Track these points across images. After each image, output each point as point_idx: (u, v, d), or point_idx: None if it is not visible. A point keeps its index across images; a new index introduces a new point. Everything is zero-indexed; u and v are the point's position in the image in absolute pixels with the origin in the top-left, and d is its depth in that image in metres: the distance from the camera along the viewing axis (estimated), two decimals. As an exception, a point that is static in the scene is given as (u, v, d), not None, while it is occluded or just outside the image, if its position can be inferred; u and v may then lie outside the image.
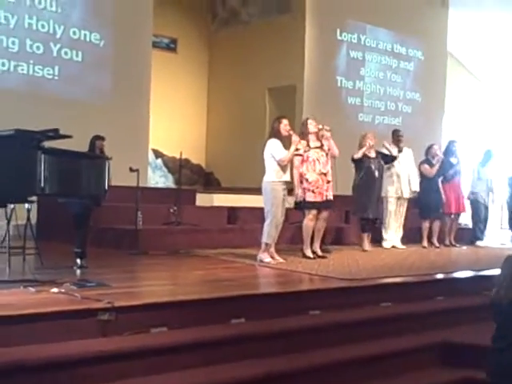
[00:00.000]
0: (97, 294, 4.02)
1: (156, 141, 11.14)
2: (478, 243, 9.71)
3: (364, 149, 8.02)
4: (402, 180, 8.69)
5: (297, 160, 6.85)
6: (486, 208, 9.94)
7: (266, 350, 4.13)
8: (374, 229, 8.42)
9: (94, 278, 4.59)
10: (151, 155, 11.39)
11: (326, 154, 7.00)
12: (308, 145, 6.90)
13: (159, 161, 12.37)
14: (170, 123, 12.15)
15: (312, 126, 6.97)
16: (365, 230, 8.23)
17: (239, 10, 12.44)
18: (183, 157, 9.14)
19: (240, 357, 3.98)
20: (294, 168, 6.88)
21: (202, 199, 9.22)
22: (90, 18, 9.11)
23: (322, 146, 6.98)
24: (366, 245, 8.17)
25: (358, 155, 8.01)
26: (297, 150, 6.71)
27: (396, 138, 8.89)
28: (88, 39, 9.11)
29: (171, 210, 7.77)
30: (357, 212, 8.25)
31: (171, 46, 12.62)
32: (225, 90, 12.76)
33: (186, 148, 10.71)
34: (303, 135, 6.93)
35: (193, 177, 12.55)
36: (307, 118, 7.15)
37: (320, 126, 7.04)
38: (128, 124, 9.22)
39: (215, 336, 4.01)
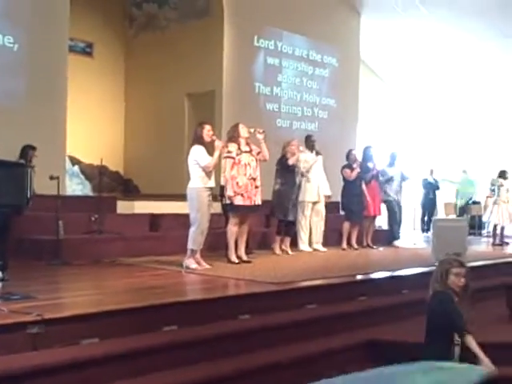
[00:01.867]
0: (23, 306, 3.91)
1: (72, 147, 10.83)
2: (395, 243, 10.07)
3: (297, 155, 8.21)
4: (314, 184, 8.91)
5: (228, 162, 6.90)
6: (400, 207, 10.32)
7: (199, 356, 4.16)
8: (291, 233, 8.58)
9: (18, 290, 4.45)
10: (68, 162, 11.09)
11: (256, 160, 7.10)
12: (239, 148, 6.97)
13: (76, 168, 12.06)
14: (86, 129, 11.87)
15: (244, 131, 7.05)
16: (279, 233, 8.40)
17: (157, 14, 12.33)
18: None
19: (173, 364, 4.00)
20: (225, 171, 6.94)
21: (123, 207, 9.07)
22: (3, 20, 8.78)
23: (251, 150, 7.07)
24: (277, 248, 8.31)
25: (293, 161, 8.21)
26: (229, 152, 6.79)
27: (310, 143, 9.12)
28: (1, 42, 8.78)
29: (92, 219, 7.60)
30: (278, 215, 8.39)
31: (87, 51, 12.35)
32: (143, 96, 12.61)
33: (103, 154, 10.42)
34: (233, 139, 7.00)
35: (111, 184, 12.31)
36: (238, 123, 7.20)
37: (252, 130, 7.13)
38: (44, 130, 8.92)
39: (147, 344, 4.00)
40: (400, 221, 10.43)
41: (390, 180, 10.11)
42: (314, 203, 8.95)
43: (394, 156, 10.44)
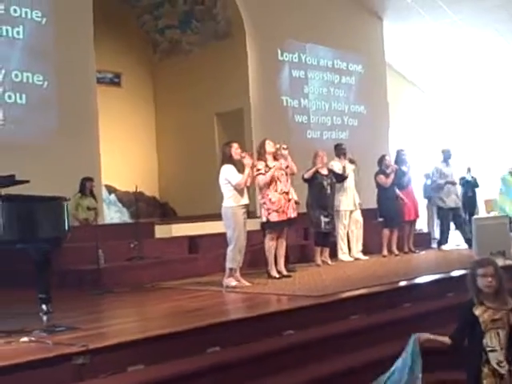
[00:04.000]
0: (68, 338, 3.95)
1: (107, 176, 11.01)
2: (443, 247, 9.87)
3: (313, 169, 8.19)
4: (349, 193, 8.85)
5: (260, 179, 6.93)
6: (459, 213, 10.05)
7: (245, 375, 4.14)
8: (329, 243, 8.52)
9: (62, 322, 4.51)
10: (104, 191, 11.27)
11: (286, 173, 7.11)
12: (267, 165, 6.99)
13: (112, 196, 12.24)
14: (119, 157, 12.04)
15: (270, 146, 7.09)
16: (318, 244, 8.35)
17: (179, 39, 12.49)
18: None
19: (220, 385, 3.98)
20: (259, 188, 6.98)
21: (161, 231, 9.15)
22: (31, 58, 9.01)
23: (280, 166, 7.08)
24: (319, 259, 8.27)
25: (308, 175, 8.18)
26: (258, 169, 6.84)
27: (340, 151, 9.06)
28: (31, 81, 9.00)
29: (132, 245, 7.69)
30: (311, 226, 8.39)
31: (115, 81, 12.57)
32: (172, 119, 12.76)
33: (138, 180, 10.63)
34: (260, 156, 7.04)
35: (148, 209, 12.44)
36: (265, 139, 7.24)
37: (277, 146, 7.15)
38: (79, 162, 9.10)
39: (192, 368, 4.00)
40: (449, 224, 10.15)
41: (445, 184, 9.83)
42: (351, 212, 8.88)
43: (449, 153, 10.15)
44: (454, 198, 9.91)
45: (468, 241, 9.53)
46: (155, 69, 13.16)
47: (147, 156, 12.94)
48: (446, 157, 10.06)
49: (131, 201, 11.35)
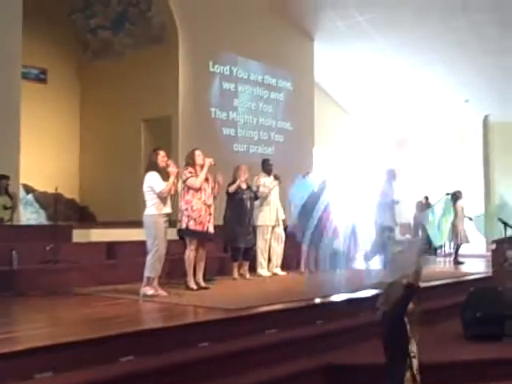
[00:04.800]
0: (-28, 342, 3.80)
1: (26, 175, 10.67)
2: (367, 263, 10.13)
3: (237, 183, 8.25)
4: (273, 209, 8.95)
5: (193, 181, 6.88)
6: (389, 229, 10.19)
7: (157, 386, 4.11)
8: (249, 258, 8.57)
9: (-32, 325, 4.34)
10: (21, 190, 10.90)
11: (211, 188, 7.11)
12: (196, 174, 6.97)
13: (30, 196, 11.85)
14: (40, 156, 11.70)
15: (200, 158, 7.05)
16: (235, 260, 8.39)
17: (111, 40, 12.31)
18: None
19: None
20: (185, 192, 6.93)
21: (79, 235, 8.93)
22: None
23: (207, 178, 7.07)
24: (236, 273, 8.32)
25: (232, 189, 8.23)
26: (190, 172, 6.83)
27: (267, 167, 9.17)
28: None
29: (47, 248, 7.47)
30: (228, 242, 8.41)
31: (41, 77, 12.23)
32: (98, 122, 12.53)
33: (58, 182, 10.27)
34: (188, 166, 7.01)
35: (67, 212, 12.10)
36: (194, 149, 7.20)
37: (211, 161, 7.08)
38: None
39: (103, 376, 3.93)
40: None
41: (392, 204, 9.98)
42: (273, 227, 8.98)
43: (393, 173, 10.32)
44: (390, 217, 10.17)
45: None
46: (84, 68, 12.90)
47: (69, 157, 12.64)
48: (390, 177, 10.31)
49: (49, 202, 11.01)
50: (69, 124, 12.72)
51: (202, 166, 7.03)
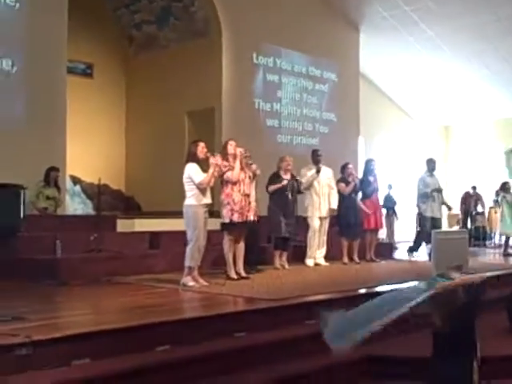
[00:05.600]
0: (12, 328, 3.87)
1: (73, 167, 10.89)
2: (412, 254, 9.98)
3: (278, 185, 8.18)
4: (322, 199, 8.87)
5: (230, 174, 6.88)
6: (434, 220, 9.99)
7: (194, 375, 4.11)
8: (289, 247, 8.52)
9: (10, 312, 4.42)
10: (69, 182, 11.13)
11: (249, 177, 7.09)
12: (231, 166, 6.95)
13: (77, 187, 12.10)
14: (87, 148, 11.92)
15: (231, 148, 7.01)
16: (277, 248, 8.36)
17: (156, 35, 12.42)
18: (102, 182, 8.99)
19: (167, 384, 3.94)
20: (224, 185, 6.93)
21: (123, 225, 9.06)
22: (1, 43, 8.86)
23: (243, 168, 7.05)
24: (277, 262, 8.28)
25: (272, 190, 8.19)
26: (225, 166, 6.81)
27: (315, 157, 9.09)
28: (-1, 65, 8.86)
29: (91, 238, 7.59)
30: (270, 231, 8.38)
31: (87, 72, 12.44)
32: (143, 115, 12.67)
33: (104, 173, 10.56)
34: (223, 156, 7.00)
35: (113, 202, 12.32)
36: (228, 140, 7.19)
37: (242, 151, 7.05)
38: (44, 151, 8.99)
39: (140, 365, 3.95)
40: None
41: (430, 194, 9.83)
42: (321, 218, 8.90)
43: (433, 163, 10.16)
44: (434, 208, 9.98)
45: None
46: (129, 62, 13.06)
47: (115, 149, 12.84)
48: (430, 167, 10.13)
49: (96, 193, 11.20)
50: (115, 117, 12.90)
51: (234, 156, 6.99)
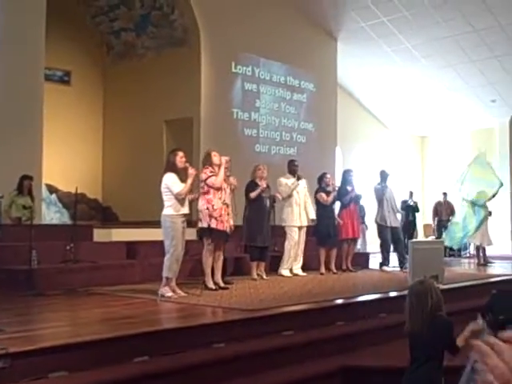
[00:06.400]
0: (-12, 340, 3.82)
1: (49, 175, 10.80)
2: (385, 268, 9.99)
3: (259, 190, 8.19)
4: (301, 209, 8.90)
5: (214, 180, 6.88)
6: (392, 229, 10.13)
7: (170, 387, 4.09)
8: (265, 258, 8.51)
9: (-14, 323, 4.37)
10: (45, 190, 11.02)
11: (230, 188, 7.13)
12: (216, 173, 6.97)
13: (53, 196, 11.98)
14: (63, 157, 11.83)
15: (216, 158, 7.05)
16: (253, 259, 8.35)
17: (134, 42, 12.38)
18: (79, 191, 8.92)
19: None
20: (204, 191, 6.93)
21: (100, 235, 8.98)
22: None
23: (225, 179, 7.07)
24: (254, 273, 8.26)
25: (254, 195, 8.20)
26: (211, 171, 6.84)
27: (292, 167, 9.12)
28: (-25, 72, 8.76)
29: (68, 247, 7.52)
30: (247, 241, 8.35)
31: (65, 79, 12.36)
32: (121, 123, 12.61)
33: (81, 182, 10.46)
34: (207, 166, 7.02)
35: (90, 212, 12.23)
36: (210, 150, 7.22)
37: (227, 159, 7.10)
38: (20, 159, 8.89)
39: (118, 377, 3.93)
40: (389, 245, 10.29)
41: (382, 198, 9.97)
42: (300, 228, 8.92)
43: (385, 174, 10.30)
44: (394, 218, 10.10)
45: (401, 262, 9.81)
46: (107, 70, 13.00)
47: (92, 158, 12.75)
48: (384, 177, 10.25)
49: (72, 202, 11.10)
50: (92, 125, 12.83)
51: (219, 166, 7.02)
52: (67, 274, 7.15)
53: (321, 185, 9.31)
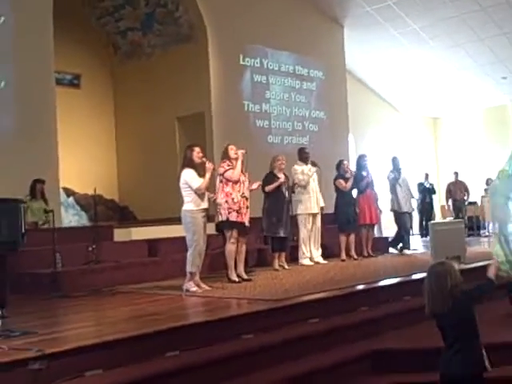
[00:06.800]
0: (24, 343, 3.89)
1: (65, 179, 10.88)
2: (406, 251, 9.99)
3: (276, 184, 8.18)
4: (314, 196, 8.90)
5: (231, 173, 6.92)
6: (409, 215, 10.20)
7: (205, 379, 4.14)
8: (286, 248, 8.51)
9: (18, 326, 4.43)
10: (62, 194, 11.11)
11: (248, 180, 7.15)
12: (234, 166, 7.01)
13: (71, 199, 12.07)
14: (78, 159, 11.90)
15: (232, 152, 7.08)
16: (275, 250, 8.35)
17: (141, 42, 12.41)
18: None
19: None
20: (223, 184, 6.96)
21: (120, 234, 9.06)
22: (-13, 58, 8.85)
23: (243, 171, 7.10)
24: (276, 264, 8.26)
25: (270, 189, 8.19)
26: (228, 165, 6.88)
27: (303, 155, 9.11)
28: (-13, 80, 8.84)
29: (90, 249, 7.59)
30: (267, 232, 8.35)
31: (75, 82, 12.43)
32: (133, 122, 12.67)
33: (97, 183, 10.46)
34: (224, 160, 7.07)
35: (108, 212, 12.31)
36: (228, 145, 7.25)
37: (242, 152, 7.11)
38: (36, 164, 8.97)
39: (151, 372, 3.97)
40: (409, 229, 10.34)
41: (395, 185, 9.98)
42: (315, 215, 8.92)
43: (397, 161, 10.28)
44: (409, 203, 10.12)
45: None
46: (116, 71, 13.05)
47: (106, 159, 12.83)
48: (396, 164, 10.21)
49: (90, 204, 11.20)
50: (105, 126, 12.89)
51: (236, 159, 7.05)
52: (91, 274, 7.22)
53: (339, 172, 9.31)
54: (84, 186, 11.63)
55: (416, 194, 14.60)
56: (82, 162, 12.03)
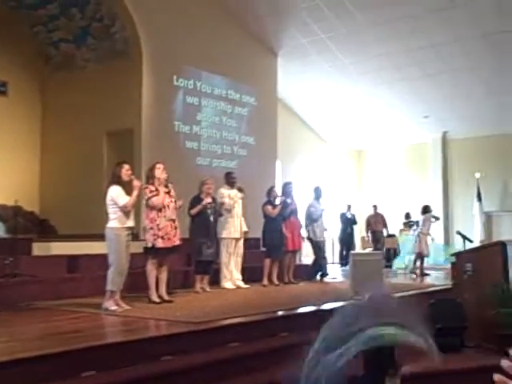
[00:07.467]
0: None
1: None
2: (325, 280, 10.20)
3: (199, 207, 8.21)
4: (237, 221, 8.98)
5: (155, 200, 6.84)
6: (323, 243, 10.53)
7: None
8: (209, 271, 8.54)
9: None
10: (-21, 203, 10.71)
11: (174, 201, 7.10)
12: (157, 189, 6.94)
13: (-12, 209, 11.63)
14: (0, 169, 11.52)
15: (159, 171, 7.02)
16: (198, 272, 8.37)
17: (74, 54, 12.21)
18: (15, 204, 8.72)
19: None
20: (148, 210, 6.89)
21: (40, 248, 8.79)
22: None
23: (169, 191, 7.05)
24: (198, 286, 8.27)
25: (194, 212, 8.21)
26: (151, 191, 6.79)
27: (229, 179, 9.21)
28: None
29: (6, 262, 7.34)
30: (193, 255, 8.37)
31: (1, 89, 12.07)
32: (60, 135, 12.38)
33: (17, 195, 10.21)
34: (149, 179, 6.99)
35: (27, 225, 11.90)
36: (156, 162, 7.19)
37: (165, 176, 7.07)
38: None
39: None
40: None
41: (319, 217, 10.21)
42: (237, 239, 8.99)
43: (319, 190, 10.57)
44: (323, 232, 10.44)
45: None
46: (46, 81, 12.76)
47: (29, 170, 12.45)
48: (318, 194, 10.53)
49: (9, 215, 10.83)
50: (30, 136, 12.54)
51: (160, 180, 6.99)
52: (6, 288, 6.98)
53: (269, 198, 9.46)
54: (4, 196, 11.23)
55: (338, 224, 15.00)
56: (4, 172, 11.64)
